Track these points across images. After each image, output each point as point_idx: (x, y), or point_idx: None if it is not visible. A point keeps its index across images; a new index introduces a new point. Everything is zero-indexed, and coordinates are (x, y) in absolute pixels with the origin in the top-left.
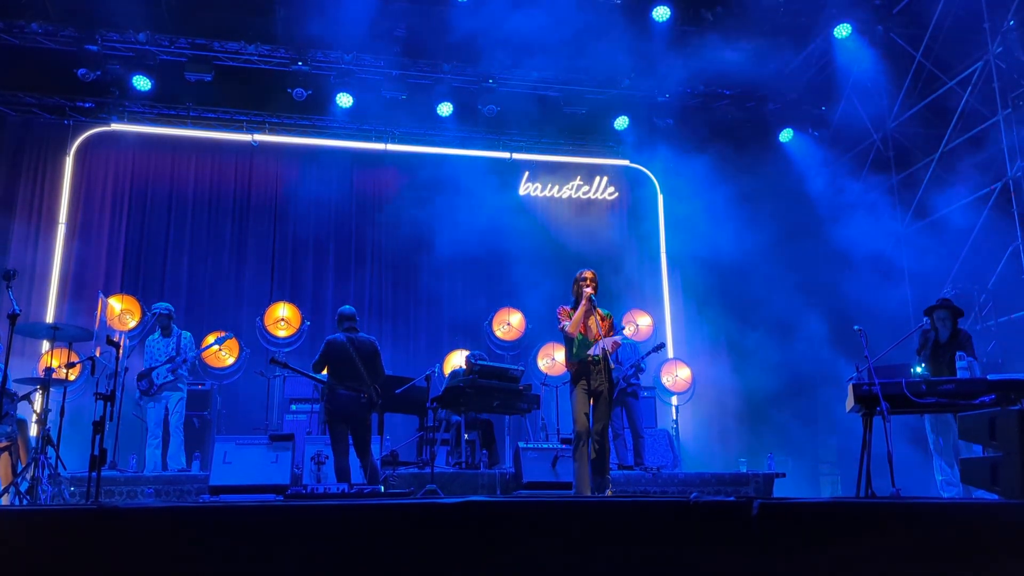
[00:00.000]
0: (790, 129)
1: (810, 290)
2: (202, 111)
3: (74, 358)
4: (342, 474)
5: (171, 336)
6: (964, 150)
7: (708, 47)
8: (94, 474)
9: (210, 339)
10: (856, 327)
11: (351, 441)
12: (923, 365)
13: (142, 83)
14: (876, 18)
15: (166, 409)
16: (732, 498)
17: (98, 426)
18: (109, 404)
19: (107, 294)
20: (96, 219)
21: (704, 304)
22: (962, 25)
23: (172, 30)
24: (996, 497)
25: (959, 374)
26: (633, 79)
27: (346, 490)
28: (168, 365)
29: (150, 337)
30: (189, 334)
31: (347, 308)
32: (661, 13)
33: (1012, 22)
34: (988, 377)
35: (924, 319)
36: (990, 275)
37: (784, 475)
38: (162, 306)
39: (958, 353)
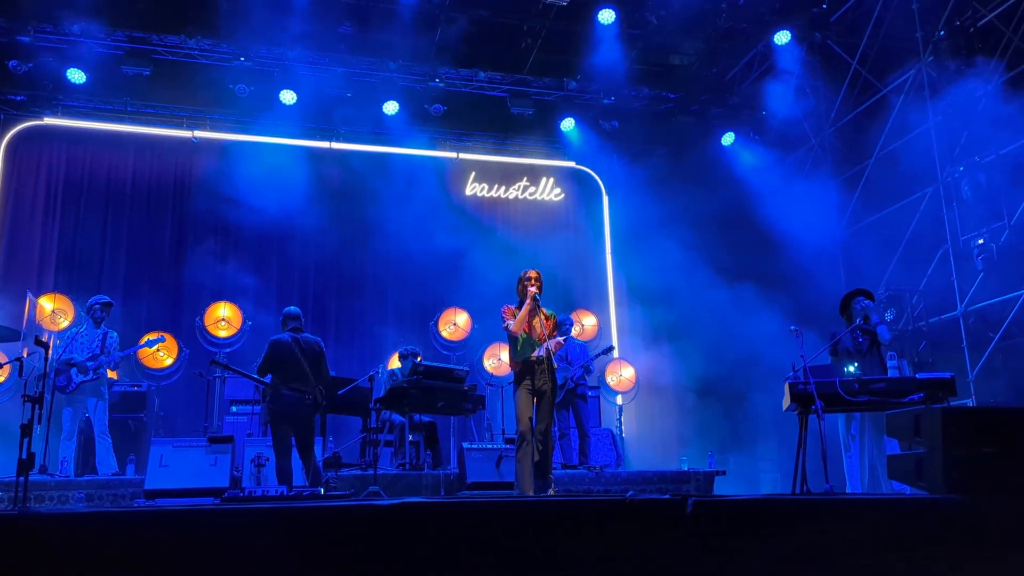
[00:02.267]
0: (732, 133)
1: (750, 290)
2: (140, 106)
3: (1, 359)
4: (284, 476)
5: (99, 330)
6: (897, 156)
7: (652, 51)
8: (21, 479)
9: (144, 339)
10: (792, 328)
11: (294, 443)
12: (855, 365)
13: (77, 76)
14: (814, 26)
15: (85, 415)
16: (668, 496)
17: (26, 429)
18: (38, 407)
19: (40, 293)
20: (27, 216)
21: (648, 304)
22: (896, 34)
23: (109, 22)
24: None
25: (890, 373)
26: (579, 81)
27: (285, 492)
28: (91, 363)
29: (78, 329)
30: (116, 335)
31: (292, 308)
32: (606, 16)
33: (943, 32)
34: (917, 376)
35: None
36: (922, 277)
37: (724, 472)
38: (101, 297)
39: (889, 353)
